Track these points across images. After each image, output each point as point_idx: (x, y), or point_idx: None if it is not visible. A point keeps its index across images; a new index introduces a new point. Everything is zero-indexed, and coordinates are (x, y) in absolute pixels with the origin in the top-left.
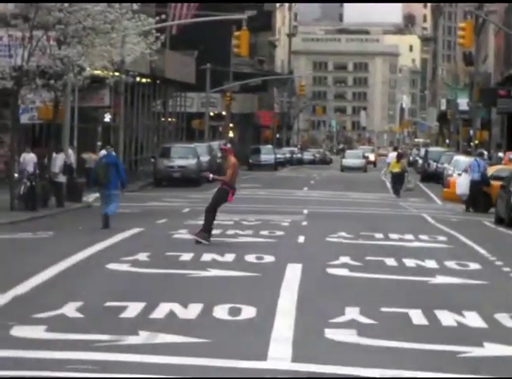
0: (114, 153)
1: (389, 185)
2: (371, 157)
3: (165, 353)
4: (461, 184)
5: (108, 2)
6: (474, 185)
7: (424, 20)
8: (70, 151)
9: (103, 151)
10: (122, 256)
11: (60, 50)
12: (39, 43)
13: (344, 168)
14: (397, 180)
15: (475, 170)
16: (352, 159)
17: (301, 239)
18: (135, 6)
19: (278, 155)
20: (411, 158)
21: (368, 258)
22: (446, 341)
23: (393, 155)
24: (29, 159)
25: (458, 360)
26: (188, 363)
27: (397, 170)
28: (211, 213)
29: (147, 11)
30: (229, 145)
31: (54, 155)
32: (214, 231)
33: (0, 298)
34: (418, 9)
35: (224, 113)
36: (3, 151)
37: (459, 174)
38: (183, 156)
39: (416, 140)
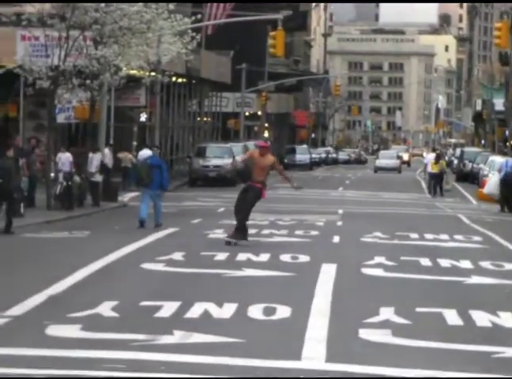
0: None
1: (424, 185)
2: (405, 157)
3: (199, 352)
4: (490, 183)
5: (144, 2)
6: (503, 184)
7: (460, 20)
8: (107, 151)
9: (144, 151)
10: (157, 255)
11: (96, 50)
12: (76, 43)
13: (377, 169)
14: (435, 180)
15: (504, 170)
16: (385, 159)
17: (336, 239)
18: (171, 6)
19: (313, 155)
20: (446, 158)
21: (403, 258)
22: (480, 341)
23: (431, 156)
24: (65, 158)
25: (493, 360)
26: (222, 363)
27: (435, 170)
28: (244, 213)
29: (183, 11)
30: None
31: (90, 154)
32: (250, 231)
33: (36, 297)
34: (454, 9)
35: (259, 113)
36: (40, 151)
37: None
38: (219, 156)
39: (449, 140)
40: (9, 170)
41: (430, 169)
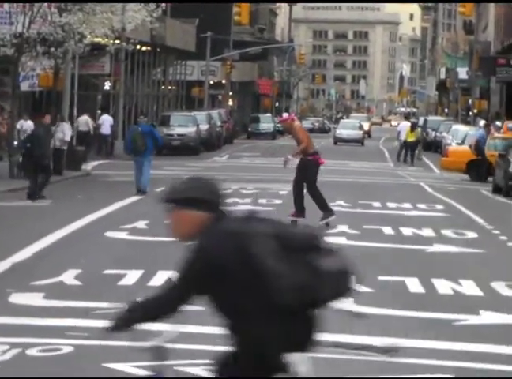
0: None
1: (387, 154)
2: (366, 127)
3: (163, 320)
4: None
5: (139, 2)
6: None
7: None
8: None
9: (104, 117)
10: (120, 224)
11: (61, 18)
12: (40, 10)
13: (337, 140)
14: (411, 148)
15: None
16: (347, 129)
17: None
18: None
19: (277, 124)
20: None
21: (366, 227)
22: (442, 309)
23: (405, 124)
24: (27, 126)
25: (454, 328)
26: (186, 331)
27: (412, 138)
28: (315, 190)
29: None
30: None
31: (58, 123)
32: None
33: None
34: None
35: (223, 81)
36: (2, 119)
37: (457, 144)
38: (183, 124)
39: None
40: (39, 137)
41: (403, 137)
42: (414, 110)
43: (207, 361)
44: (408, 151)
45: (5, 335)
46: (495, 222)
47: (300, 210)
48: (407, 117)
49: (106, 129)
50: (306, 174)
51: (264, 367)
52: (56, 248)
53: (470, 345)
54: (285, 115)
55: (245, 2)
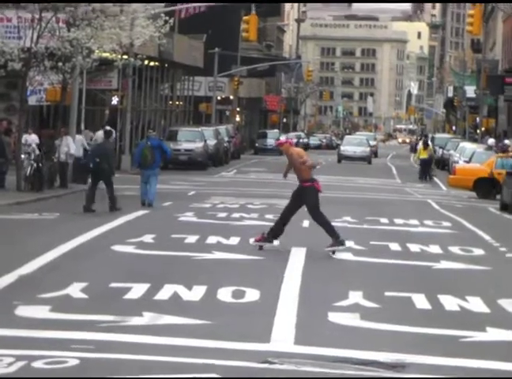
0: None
1: (394, 171)
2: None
3: (168, 334)
4: None
5: (139, 2)
6: None
7: (433, 6)
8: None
9: (99, 133)
10: (127, 238)
11: (69, 33)
12: (49, 25)
13: (342, 158)
14: (425, 166)
15: None
16: (352, 146)
17: (305, 223)
18: None
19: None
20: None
21: (373, 243)
22: (448, 326)
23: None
24: (31, 140)
25: (461, 344)
26: (191, 345)
27: (424, 156)
28: (321, 217)
29: None
30: (284, 138)
31: (67, 137)
32: (220, 215)
33: (5, 277)
34: None
35: (231, 97)
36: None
37: (465, 161)
38: (190, 140)
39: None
40: (107, 152)
41: (419, 154)
42: (412, 127)
43: (211, 375)
44: (423, 169)
45: (10, 347)
46: (502, 239)
47: (335, 234)
48: (426, 135)
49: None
50: (307, 201)
51: None
52: (63, 261)
53: (477, 362)
54: (283, 138)
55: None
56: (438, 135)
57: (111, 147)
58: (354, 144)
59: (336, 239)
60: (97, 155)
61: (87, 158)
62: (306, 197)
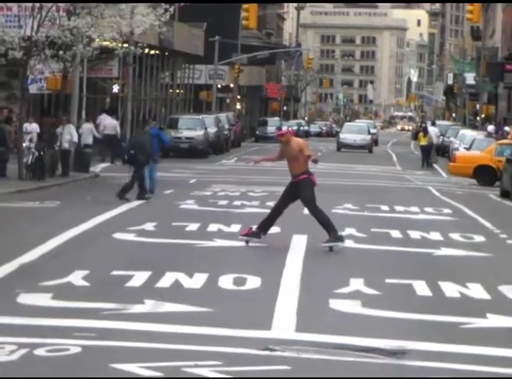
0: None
1: (395, 158)
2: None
3: (170, 322)
4: None
5: (142, 2)
6: None
7: None
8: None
9: (102, 117)
10: (128, 226)
11: (69, 21)
12: (49, 14)
13: (341, 146)
14: (425, 153)
15: None
16: (352, 134)
17: (306, 211)
18: None
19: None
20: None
21: (373, 230)
22: (449, 312)
23: (432, 129)
24: (31, 129)
25: (461, 331)
26: (192, 332)
27: (424, 143)
28: (318, 211)
29: None
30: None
31: (69, 125)
32: (221, 202)
33: (7, 266)
34: None
35: (231, 85)
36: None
37: (465, 148)
38: (191, 128)
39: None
40: (142, 143)
41: (419, 141)
42: (411, 114)
43: (213, 362)
44: (423, 156)
45: (13, 335)
46: (503, 226)
47: (333, 228)
48: (434, 123)
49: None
50: (302, 194)
51: None
52: (64, 249)
53: (477, 348)
54: (284, 128)
55: (254, 2)
56: (438, 122)
57: (146, 137)
58: (354, 132)
59: (334, 235)
60: (132, 147)
61: (123, 150)
62: (301, 189)
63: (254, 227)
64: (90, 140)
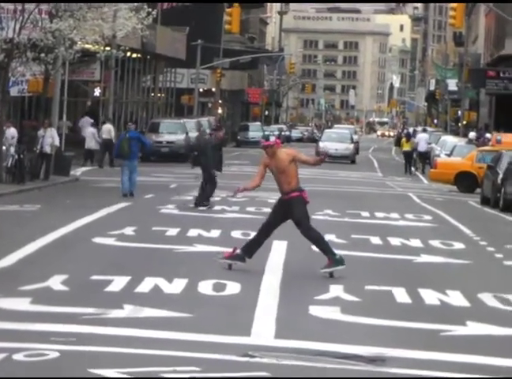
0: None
1: (376, 164)
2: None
3: (149, 327)
4: None
5: (136, 2)
6: None
7: None
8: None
9: (84, 119)
10: (108, 230)
11: (52, 24)
12: (31, 16)
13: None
14: (407, 158)
15: None
16: (333, 142)
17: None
18: None
19: (266, 133)
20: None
21: (354, 236)
22: (429, 319)
23: (422, 136)
24: (8, 134)
25: (441, 338)
26: (171, 337)
27: (407, 148)
28: (313, 231)
29: None
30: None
31: (51, 129)
32: (201, 207)
33: None
34: None
35: (213, 89)
36: None
37: (446, 155)
38: (172, 132)
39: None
40: (204, 147)
41: (422, 148)
42: (386, 120)
43: (192, 368)
44: (406, 161)
45: None
46: (483, 233)
47: (329, 250)
48: (425, 129)
49: (86, 132)
50: (294, 213)
51: None
52: (43, 253)
53: (457, 356)
54: (272, 139)
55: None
56: (419, 128)
57: (205, 142)
58: (335, 140)
59: (333, 258)
60: (196, 149)
61: (187, 149)
62: (293, 208)
63: (239, 250)
64: (93, 145)
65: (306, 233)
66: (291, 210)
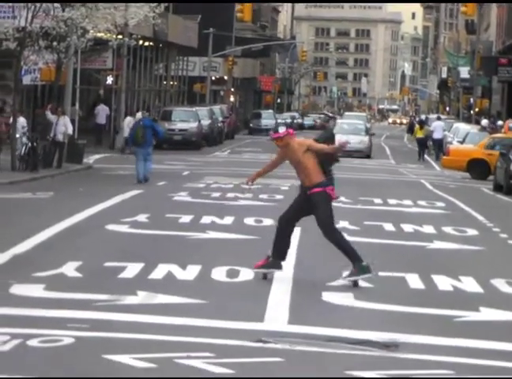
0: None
1: (388, 151)
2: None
3: (163, 313)
4: None
5: (140, 2)
6: None
7: None
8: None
9: (100, 107)
10: (121, 217)
11: (64, 12)
12: (43, 5)
13: None
14: (421, 145)
15: None
16: (347, 134)
17: None
18: None
19: (279, 120)
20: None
21: (366, 223)
22: (442, 305)
23: (438, 123)
24: (18, 124)
25: (454, 324)
26: (185, 323)
27: (420, 135)
28: (336, 233)
29: None
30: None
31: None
32: (214, 194)
33: (0, 256)
34: None
35: (225, 77)
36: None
37: (459, 142)
38: (184, 120)
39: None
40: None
41: (437, 135)
42: (395, 107)
43: (205, 354)
44: (419, 148)
45: (6, 325)
46: (496, 219)
47: (355, 255)
48: (439, 117)
49: (101, 119)
50: (317, 212)
51: None
52: (57, 240)
53: (470, 341)
54: (282, 130)
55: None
56: (431, 115)
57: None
58: (347, 132)
59: (359, 265)
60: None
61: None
62: (315, 206)
63: (270, 257)
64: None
65: (330, 236)
66: (313, 208)
